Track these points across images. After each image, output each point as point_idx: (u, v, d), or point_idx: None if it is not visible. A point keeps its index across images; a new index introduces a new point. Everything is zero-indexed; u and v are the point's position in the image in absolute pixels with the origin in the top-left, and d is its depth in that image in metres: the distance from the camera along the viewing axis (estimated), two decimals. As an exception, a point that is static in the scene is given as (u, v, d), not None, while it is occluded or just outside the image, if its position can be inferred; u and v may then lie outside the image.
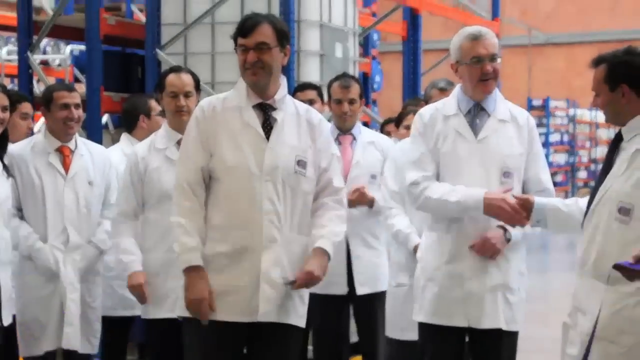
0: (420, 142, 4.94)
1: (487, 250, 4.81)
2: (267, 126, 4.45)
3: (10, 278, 5.40)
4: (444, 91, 5.92)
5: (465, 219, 4.84)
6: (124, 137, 6.68)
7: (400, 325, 5.85)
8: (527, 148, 4.97)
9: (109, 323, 6.30)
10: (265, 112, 4.47)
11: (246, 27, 4.41)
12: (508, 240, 4.86)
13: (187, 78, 5.56)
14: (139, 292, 5.47)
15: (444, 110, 4.96)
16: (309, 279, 4.40)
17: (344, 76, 6.31)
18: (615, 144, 4.25)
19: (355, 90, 6.18)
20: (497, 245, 4.82)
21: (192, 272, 4.38)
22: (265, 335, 4.43)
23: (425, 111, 5.02)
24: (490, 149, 4.87)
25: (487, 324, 4.85)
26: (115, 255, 5.74)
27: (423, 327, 5.01)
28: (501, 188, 4.78)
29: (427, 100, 5.98)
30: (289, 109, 4.52)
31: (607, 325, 4.06)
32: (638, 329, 4.00)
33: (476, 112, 4.94)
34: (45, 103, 5.84)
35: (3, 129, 5.41)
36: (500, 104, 4.98)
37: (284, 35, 4.47)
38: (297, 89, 6.63)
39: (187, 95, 5.49)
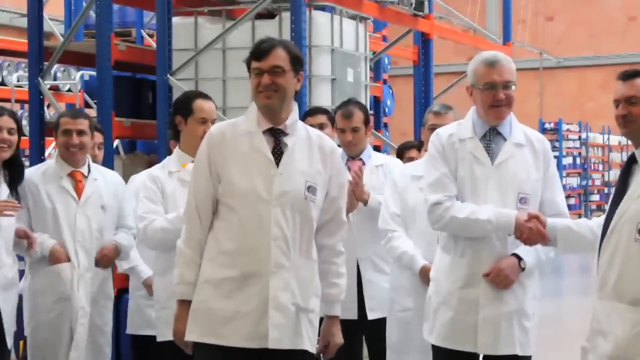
0: (441, 162, 4.89)
1: (500, 281, 4.78)
2: (278, 152, 4.43)
3: (12, 303, 5.50)
4: (438, 115, 5.84)
5: (481, 243, 4.81)
6: None
7: (406, 349, 5.81)
8: (543, 172, 4.94)
9: (136, 341, 6.38)
10: (276, 138, 4.45)
11: (261, 50, 4.40)
12: (523, 269, 4.82)
13: (212, 105, 5.61)
14: None
15: (459, 134, 4.92)
16: (335, 348, 4.63)
17: (347, 104, 6.24)
18: (629, 166, 4.26)
19: (358, 118, 6.12)
20: (511, 276, 4.78)
21: (184, 305, 4.46)
22: None
23: (443, 132, 4.98)
24: (507, 174, 4.83)
25: (503, 350, 4.82)
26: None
27: (436, 349, 4.99)
28: (525, 212, 4.72)
29: (424, 124, 5.94)
30: (300, 135, 4.50)
31: (629, 346, 4.06)
32: None
33: (492, 137, 4.90)
34: (54, 128, 5.87)
35: (12, 155, 5.45)
36: (516, 128, 4.94)
37: (298, 60, 4.46)
38: (308, 113, 6.60)
39: (214, 121, 5.48)
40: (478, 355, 4.92)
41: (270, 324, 4.33)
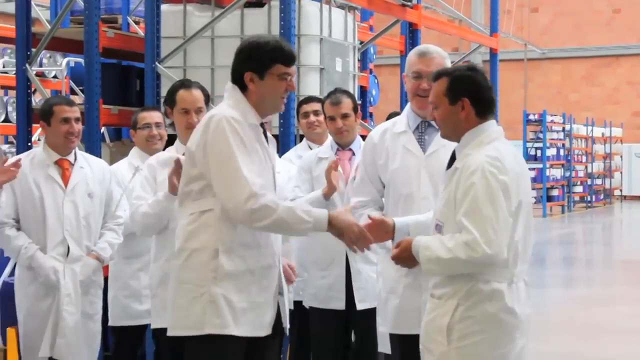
0: (363, 166, 5.10)
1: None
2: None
3: None
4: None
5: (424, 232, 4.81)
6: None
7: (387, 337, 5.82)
8: None
9: (116, 333, 6.40)
10: (264, 132, 4.54)
11: (289, 55, 4.43)
12: None
13: (197, 93, 5.43)
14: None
15: (394, 129, 5.05)
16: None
17: (334, 92, 6.24)
18: (451, 163, 4.34)
19: (346, 104, 6.13)
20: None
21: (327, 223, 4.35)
22: (264, 345, 4.52)
23: (376, 130, 5.13)
24: (438, 163, 4.81)
25: None
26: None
27: (392, 337, 5.08)
28: (344, 207, 4.68)
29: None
30: None
31: (425, 334, 4.30)
32: (444, 338, 4.19)
33: (424, 129, 5.02)
34: (44, 117, 5.85)
35: None
36: None
37: None
38: (303, 102, 6.64)
39: (198, 111, 5.38)
40: None
41: (282, 312, 4.57)
